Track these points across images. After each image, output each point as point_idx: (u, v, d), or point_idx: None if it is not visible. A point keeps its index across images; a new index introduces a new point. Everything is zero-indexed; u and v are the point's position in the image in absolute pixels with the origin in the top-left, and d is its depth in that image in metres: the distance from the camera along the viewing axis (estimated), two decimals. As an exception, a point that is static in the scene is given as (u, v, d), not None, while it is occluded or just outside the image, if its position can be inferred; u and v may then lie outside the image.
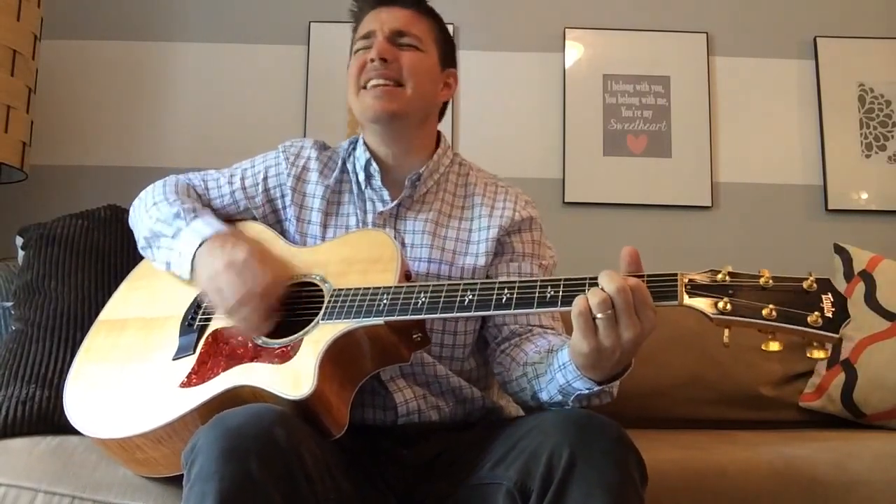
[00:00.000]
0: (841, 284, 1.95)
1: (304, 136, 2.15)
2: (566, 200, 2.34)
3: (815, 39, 2.41)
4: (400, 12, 1.34)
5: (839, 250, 2.01)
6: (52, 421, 1.33)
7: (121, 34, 2.39)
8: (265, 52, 2.40)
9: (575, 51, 2.41)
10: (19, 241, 1.66)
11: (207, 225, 1.26)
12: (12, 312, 1.56)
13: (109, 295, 1.39)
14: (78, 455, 1.25)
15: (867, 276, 1.92)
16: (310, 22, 2.39)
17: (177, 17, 2.41)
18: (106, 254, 1.59)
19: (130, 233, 1.53)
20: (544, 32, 2.42)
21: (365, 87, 1.30)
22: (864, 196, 2.36)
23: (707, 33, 2.41)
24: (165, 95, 2.38)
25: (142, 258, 1.40)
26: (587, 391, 1.03)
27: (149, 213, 1.33)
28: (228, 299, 1.14)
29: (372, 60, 1.28)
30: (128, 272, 1.41)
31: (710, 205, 2.35)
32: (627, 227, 2.34)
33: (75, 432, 1.20)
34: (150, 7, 2.41)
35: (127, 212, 1.64)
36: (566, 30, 2.41)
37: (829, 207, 2.35)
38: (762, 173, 2.38)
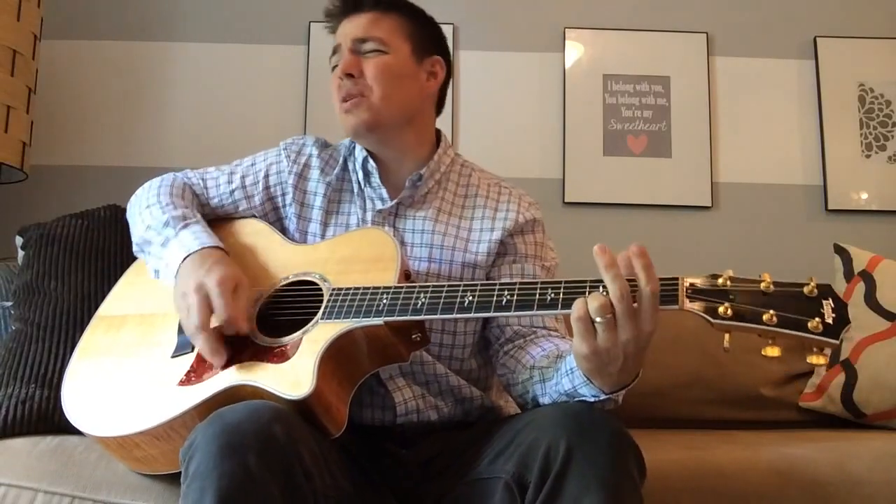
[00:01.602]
0: (841, 284, 1.95)
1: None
2: (566, 200, 2.34)
3: (815, 39, 2.41)
4: (362, 18, 1.32)
5: (839, 250, 2.01)
6: (51, 420, 1.33)
7: (121, 34, 2.38)
8: (265, 52, 2.40)
9: (575, 51, 2.41)
10: (19, 240, 1.66)
11: (195, 238, 1.23)
12: (12, 312, 1.56)
13: (109, 295, 1.38)
14: (78, 455, 1.25)
15: (867, 276, 1.92)
16: (310, 22, 2.39)
17: (177, 17, 2.41)
18: (106, 254, 1.58)
19: (129, 233, 1.52)
20: (544, 32, 2.42)
21: (342, 103, 1.31)
22: (864, 196, 2.36)
23: (707, 33, 2.41)
24: (165, 95, 2.38)
25: None
26: (592, 398, 1.03)
27: (141, 216, 1.32)
28: (192, 321, 1.12)
29: (341, 78, 1.29)
30: (128, 272, 1.41)
31: (710, 205, 2.35)
32: (627, 227, 2.33)
33: (75, 432, 1.20)
34: (150, 7, 2.41)
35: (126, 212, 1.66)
36: (566, 30, 2.41)
37: (829, 207, 2.35)
38: (762, 173, 2.38)
